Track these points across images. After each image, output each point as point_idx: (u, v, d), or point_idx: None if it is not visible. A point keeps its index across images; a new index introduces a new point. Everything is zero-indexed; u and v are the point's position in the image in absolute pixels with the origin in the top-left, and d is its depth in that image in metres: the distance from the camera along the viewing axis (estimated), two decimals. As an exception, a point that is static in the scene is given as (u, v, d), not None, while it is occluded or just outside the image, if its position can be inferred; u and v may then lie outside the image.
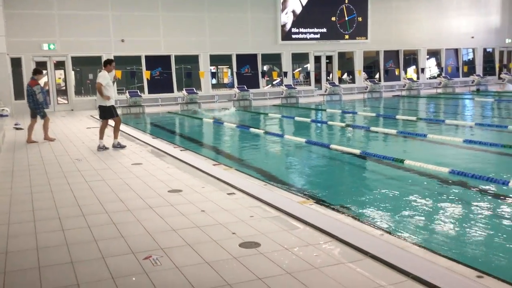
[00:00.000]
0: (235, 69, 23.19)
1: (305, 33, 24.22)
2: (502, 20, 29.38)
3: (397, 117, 15.39)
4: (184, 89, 21.11)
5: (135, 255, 3.91)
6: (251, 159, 9.37)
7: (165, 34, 21.29)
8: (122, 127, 13.75)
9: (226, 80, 25.75)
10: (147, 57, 21.25)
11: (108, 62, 9.66)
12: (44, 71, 18.69)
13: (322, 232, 4.38)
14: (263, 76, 24.00)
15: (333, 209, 5.33)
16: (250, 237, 4.27)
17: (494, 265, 3.93)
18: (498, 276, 3.42)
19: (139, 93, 20.00)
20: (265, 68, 25.34)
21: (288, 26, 23.80)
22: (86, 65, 22.05)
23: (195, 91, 21.04)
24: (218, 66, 26.43)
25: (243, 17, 22.71)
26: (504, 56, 30.00)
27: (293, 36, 23.94)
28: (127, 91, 20.12)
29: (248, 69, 23.57)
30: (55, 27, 19.43)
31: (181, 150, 9.24)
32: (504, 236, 4.69)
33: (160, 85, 21.68)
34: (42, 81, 12.36)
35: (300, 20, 23.97)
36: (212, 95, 22.51)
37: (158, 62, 21.64)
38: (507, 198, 5.83)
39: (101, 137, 9.47)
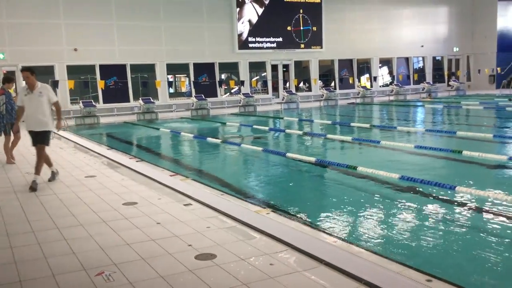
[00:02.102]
0: (192, 78, 23.09)
1: (262, 42, 24.45)
2: (449, 29, 30.69)
3: (352, 124, 15.75)
4: (140, 98, 20.81)
5: (87, 272, 3.81)
6: (208, 169, 9.34)
7: (120, 43, 20.95)
8: (76, 138, 13.42)
9: (184, 89, 25.58)
10: (101, 66, 20.82)
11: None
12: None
13: (278, 241, 4.41)
14: (220, 85, 24.01)
15: (289, 217, 5.38)
16: (206, 248, 4.25)
17: (443, 269, 4.06)
18: (446, 279, 3.55)
19: (93, 103, 19.55)
20: (223, 76, 25.37)
21: (244, 35, 23.96)
22: (38, 75, 21.27)
23: (152, 100, 20.78)
24: (176, 75, 26.23)
25: (199, 26, 22.68)
26: (452, 64, 31.30)
27: (250, 45, 24.12)
28: (80, 101, 19.63)
29: (206, 78, 23.53)
30: (4, 36, 18.74)
31: (137, 161, 9.09)
32: (452, 239, 4.87)
33: (116, 94, 21.28)
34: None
35: (256, 29, 24.18)
36: (169, 104, 22.31)
37: (113, 71, 21.24)
38: (454, 203, 6.06)
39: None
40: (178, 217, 5.26)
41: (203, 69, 23.33)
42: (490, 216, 5.46)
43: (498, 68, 29.30)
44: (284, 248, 4.25)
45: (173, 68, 23.31)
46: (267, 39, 24.60)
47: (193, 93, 22.64)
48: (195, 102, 21.50)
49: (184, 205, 5.76)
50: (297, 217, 5.54)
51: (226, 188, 7.13)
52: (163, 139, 14.82)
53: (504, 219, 5.31)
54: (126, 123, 18.80)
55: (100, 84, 20.42)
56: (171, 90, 24.38)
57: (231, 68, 24.84)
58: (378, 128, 14.57)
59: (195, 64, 22.98)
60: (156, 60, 21.91)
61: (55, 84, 18.57)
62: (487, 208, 5.69)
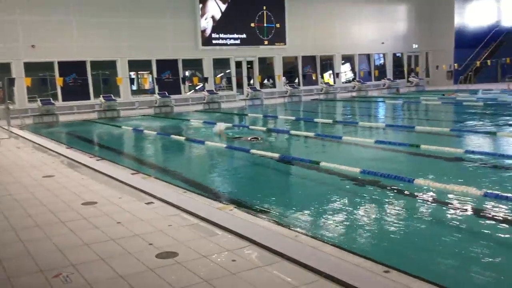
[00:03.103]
0: (155, 75, 22.77)
1: (225, 38, 24.34)
2: (409, 26, 31.43)
3: (316, 120, 15.94)
4: (101, 95, 20.37)
5: (44, 274, 3.70)
6: (171, 166, 9.24)
7: (79, 39, 20.40)
8: (34, 137, 13.01)
9: (146, 86, 25.19)
10: (60, 63, 20.23)
11: None
12: None
13: (241, 237, 4.42)
14: (184, 82, 23.78)
15: (253, 213, 5.39)
16: (168, 247, 4.21)
17: (400, 260, 4.16)
18: (404, 270, 3.64)
19: (52, 101, 19.00)
20: (187, 73, 25.12)
21: (208, 32, 23.79)
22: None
23: (113, 97, 20.37)
24: (138, 72, 25.80)
25: (162, 22, 22.36)
26: (412, 60, 32.09)
27: (214, 41, 23.97)
28: (39, 99, 19.03)
29: (169, 75, 23.24)
30: (-45, 31, 17.95)
31: (97, 160, 8.89)
32: (411, 231, 5.00)
33: (76, 92, 20.70)
34: None
35: (220, 26, 24.06)
36: (132, 102, 21.91)
37: (72, 68, 20.67)
38: (413, 195, 6.22)
39: None
40: (139, 216, 5.18)
41: (167, 65, 23.03)
42: (447, 207, 5.64)
43: (455, 64, 30.23)
44: (247, 244, 4.25)
45: (135, 65, 22.89)
46: (231, 36, 24.51)
47: (156, 90, 22.34)
48: (158, 99, 21.23)
49: (146, 203, 5.69)
50: (261, 213, 5.56)
51: (189, 185, 7.08)
52: (125, 137, 14.57)
53: (460, 210, 5.49)
54: (86, 121, 18.37)
55: (59, 82, 19.85)
56: (134, 87, 23.96)
57: (195, 65, 24.62)
58: (341, 124, 14.79)
59: (158, 61, 22.66)
60: (117, 56, 21.47)
61: (11, 82, 17.92)
62: (444, 200, 5.87)
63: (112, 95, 20.68)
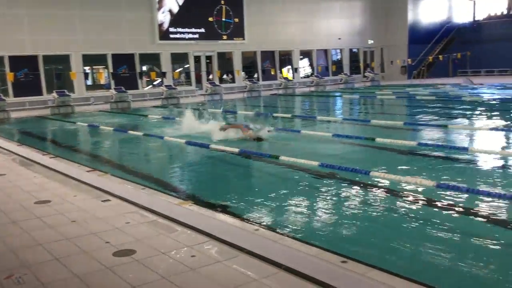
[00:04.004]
0: (111, 70, 22.25)
1: (184, 33, 24.06)
2: (364, 22, 32.08)
3: (275, 114, 16.03)
4: (54, 91, 19.72)
5: (-6, 276, 3.56)
6: (129, 163, 9.07)
7: (30, 32, 19.65)
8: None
9: (102, 81, 24.56)
10: (10, 57, 19.43)
11: None
12: None
13: (200, 233, 4.40)
14: (141, 77, 23.36)
15: (212, 208, 5.37)
16: (125, 244, 4.14)
17: (357, 250, 4.26)
18: (360, 259, 3.73)
19: (2, 97, 18.22)
20: (144, 68, 24.67)
21: (165, 26, 23.44)
22: None
23: (67, 93, 19.77)
24: (93, 67, 25.10)
25: (117, 15, 21.86)
26: (367, 55, 32.80)
27: (171, 36, 23.65)
28: (-13, 95, 18.23)
29: (126, 70, 22.77)
30: None
31: (50, 158, 8.62)
32: (368, 222, 5.11)
33: (27, 87, 19.94)
34: None
35: (177, 20, 23.75)
36: (87, 97, 21.33)
37: (24, 63, 19.89)
38: (369, 187, 6.37)
39: None
40: (96, 214, 5.06)
41: (123, 60, 22.54)
42: (402, 198, 5.80)
43: (409, 60, 31.13)
44: (206, 239, 4.24)
45: (90, 59, 22.25)
46: (189, 30, 24.26)
47: (113, 85, 21.84)
48: (114, 95, 20.77)
49: (102, 201, 5.56)
50: (220, 208, 5.54)
51: (147, 182, 6.97)
52: (80, 134, 14.17)
53: (414, 200, 5.67)
54: (39, 118, 17.74)
55: (9, 77, 19.07)
56: (89, 82, 23.30)
57: (152, 59, 24.21)
58: (300, 118, 14.94)
59: (114, 55, 22.14)
60: (71, 50, 20.83)
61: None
62: (399, 191, 6.04)
63: (66, 90, 20.06)
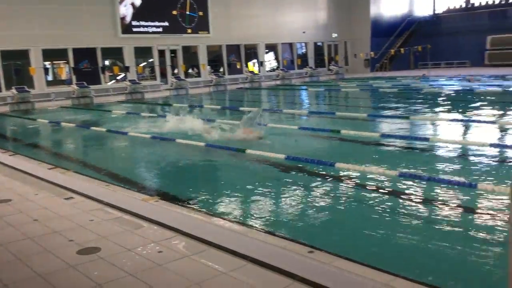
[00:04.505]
0: (72, 64, 21.67)
1: (147, 26, 23.67)
2: (328, 16, 32.40)
3: (241, 108, 16.02)
4: (13, 87, 19.06)
5: (-49, 279, 3.43)
6: (92, 159, 8.89)
7: (-14, 27, 18.90)
8: None
9: (64, 77, 23.90)
10: (-35, 53, 18.67)
11: None
12: None
13: (167, 228, 4.36)
14: (104, 72, 22.86)
15: (179, 203, 5.33)
16: (90, 242, 4.06)
17: (324, 240, 4.32)
18: (327, 249, 3.78)
19: (-43, 94, 17.49)
20: (107, 63, 24.15)
21: (128, 19, 22.99)
22: None
23: (26, 89, 19.14)
24: (54, 62, 24.37)
25: (78, 9, 21.26)
26: (332, 49, 33.17)
27: (134, 29, 23.22)
28: None
29: (88, 64, 22.23)
30: None
31: (10, 155, 8.34)
32: (333, 212, 5.19)
33: (-16, 84, 19.21)
34: None
35: (140, 13, 23.33)
36: (47, 93, 20.73)
37: (-21, 58, 19.14)
38: (334, 178, 6.47)
39: None
40: (58, 212, 4.94)
41: (84, 54, 22.00)
42: (367, 188, 5.92)
43: (372, 53, 31.67)
44: (174, 235, 4.21)
45: (50, 54, 21.58)
46: (152, 24, 23.87)
47: (74, 81, 21.28)
48: (76, 90, 20.26)
49: (65, 199, 5.43)
50: (187, 202, 5.51)
51: (111, 178, 6.84)
52: (40, 131, 13.77)
53: (379, 190, 5.79)
54: (-3, 115, 17.13)
55: (-36, 73, 18.30)
56: (49, 78, 22.64)
57: (115, 53, 23.69)
58: (266, 112, 14.97)
59: (75, 50, 21.57)
60: (30, 45, 20.15)
61: None
62: (364, 181, 6.16)
63: (25, 86, 19.41)
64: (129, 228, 4.41)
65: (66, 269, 3.53)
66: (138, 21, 23.28)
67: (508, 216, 2.32)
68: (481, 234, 4.36)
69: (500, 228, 4.35)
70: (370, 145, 8.63)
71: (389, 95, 18.08)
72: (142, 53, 24.46)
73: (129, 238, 4.14)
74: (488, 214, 4.76)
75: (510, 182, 2.02)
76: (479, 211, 4.91)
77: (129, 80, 22.31)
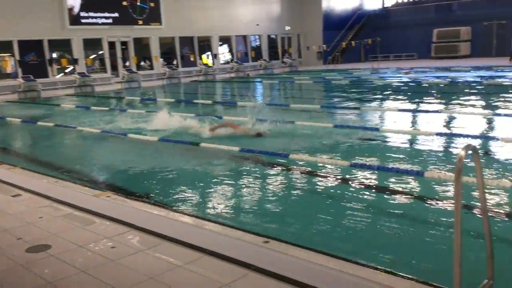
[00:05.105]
0: (18, 57, 20.74)
1: (96, 17, 22.97)
2: (281, 8, 32.59)
3: (195, 101, 15.90)
4: (-47, 81, 18.07)
5: None
6: (41, 155, 8.58)
7: None
8: None
9: (8, 70, 22.83)
10: None
11: None
12: None
13: (120, 223, 4.28)
14: (51, 64, 22.02)
15: (132, 198, 5.24)
16: (39, 240, 3.92)
17: (279, 230, 4.38)
18: (282, 239, 3.84)
19: None
20: (54, 55, 23.26)
21: (76, 10, 22.22)
22: None
23: (-32, 83, 18.20)
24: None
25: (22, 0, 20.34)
26: (285, 42, 33.41)
27: (83, 20, 22.48)
28: None
29: (34, 57, 21.34)
30: None
31: (-50, 153, 7.92)
32: (288, 202, 5.27)
33: None
34: None
35: (89, 4, 22.59)
36: (-9, 87, 19.77)
37: None
38: (289, 169, 6.55)
39: None
40: (5, 209, 4.75)
41: (31, 47, 21.11)
42: (320, 178, 6.04)
43: (324, 46, 32.15)
44: (127, 230, 4.14)
45: (-7, 46, 20.60)
46: (102, 14, 23.19)
47: (20, 74, 20.39)
48: (22, 84, 19.44)
49: (12, 196, 5.22)
50: (141, 197, 5.42)
51: (61, 174, 6.64)
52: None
53: (332, 180, 5.92)
54: None
55: None
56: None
57: (63, 45, 22.86)
58: (221, 104, 14.94)
59: (20, 42, 20.65)
60: (-30, 37, 19.14)
61: None
62: (317, 172, 6.26)
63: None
64: (80, 224, 4.30)
65: (15, 268, 3.41)
66: (87, 12, 22.55)
67: (453, 201, 2.44)
68: (428, 218, 4.55)
69: (446, 213, 4.55)
70: (324, 136, 8.77)
71: (342, 87, 18.45)
72: (92, 45, 23.74)
73: (81, 235, 4.04)
74: (434, 199, 4.98)
75: (454, 169, 2.14)
76: (426, 197, 5.12)
77: (78, 73, 21.63)
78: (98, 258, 3.55)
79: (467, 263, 2.63)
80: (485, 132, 8.85)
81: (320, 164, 6.43)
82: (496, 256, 2.70)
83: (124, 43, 24.57)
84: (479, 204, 2.59)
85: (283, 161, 6.76)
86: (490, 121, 9.79)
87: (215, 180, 6.22)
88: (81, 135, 10.21)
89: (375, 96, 15.45)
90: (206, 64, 27.95)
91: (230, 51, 30.18)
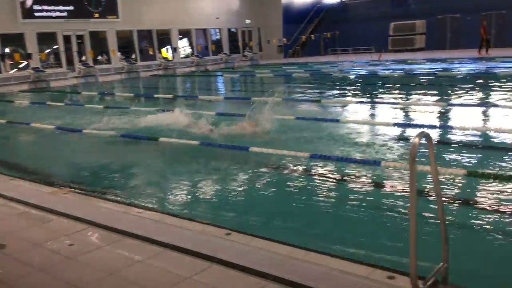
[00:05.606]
0: (-34, 52, 19.82)
1: (50, 10, 22.18)
2: (241, 1, 32.47)
3: (156, 95, 15.68)
4: None
5: None
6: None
7: None
8: None
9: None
10: None
11: None
12: None
13: (78, 220, 4.18)
14: (3, 59, 21.14)
15: (90, 195, 5.12)
16: (-7, 240, 3.78)
17: (241, 223, 4.38)
18: (244, 231, 3.84)
19: None
20: (7, 50, 22.31)
21: (29, 3, 21.38)
22: None
23: None
24: None
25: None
26: (246, 35, 33.35)
27: (36, 14, 21.67)
28: None
29: (-15, 52, 20.45)
30: None
31: None
32: (249, 195, 5.28)
33: None
34: None
35: (42, -4, 21.80)
36: None
37: None
38: (249, 162, 6.56)
39: None
40: (-45, 210, 4.54)
41: (-20, 41, 20.22)
42: (280, 170, 6.08)
43: (284, 39, 32.31)
44: (86, 227, 4.05)
45: None
46: (56, 8, 22.42)
47: (-31, 69, 19.52)
48: (-28, 80, 18.60)
49: (-38, 196, 5.00)
50: (100, 193, 5.31)
51: (16, 172, 6.40)
52: None
53: (291, 171, 5.97)
54: None
55: None
56: None
57: (15, 40, 21.97)
58: (181, 98, 14.78)
59: (-32, 36, 19.75)
60: None
61: None
62: (277, 164, 6.30)
63: None
64: (37, 222, 4.17)
65: (-34, 271, 3.27)
66: (40, 5, 21.75)
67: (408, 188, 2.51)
68: (384, 205, 4.67)
69: (401, 199, 4.69)
70: (286, 128, 8.82)
71: (302, 80, 18.61)
72: (46, 39, 22.93)
73: (37, 233, 3.92)
74: (391, 187, 5.11)
75: (408, 158, 2.21)
76: (384, 185, 5.25)
77: (32, 68, 20.89)
78: (56, 257, 3.46)
79: (423, 247, 2.71)
80: (440, 121, 9.15)
81: (281, 156, 6.46)
82: (451, 240, 2.81)
83: (80, 37, 23.86)
84: (434, 190, 2.68)
85: (244, 154, 6.76)
86: (445, 111, 10.13)
87: (176, 175, 6.17)
88: (35, 131, 9.87)
89: (334, 88, 15.67)
90: (165, 58, 27.55)
91: (190, 44, 29.86)
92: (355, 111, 11.01)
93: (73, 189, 5.30)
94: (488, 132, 7.82)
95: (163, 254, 3.46)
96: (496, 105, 10.22)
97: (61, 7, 22.56)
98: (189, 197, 5.31)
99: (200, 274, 3.11)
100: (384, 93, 13.76)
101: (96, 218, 4.17)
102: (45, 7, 21.96)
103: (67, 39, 23.25)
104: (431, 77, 16.82)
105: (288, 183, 5.55)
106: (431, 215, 4.08)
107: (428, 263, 2.78)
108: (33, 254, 3.52)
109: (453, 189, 4.95)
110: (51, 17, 22.22)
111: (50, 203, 4.62)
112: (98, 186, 5.73)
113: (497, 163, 5.87)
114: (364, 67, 22.13)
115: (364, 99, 12.71)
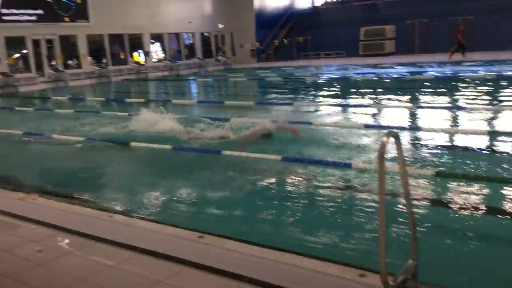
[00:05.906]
0: None
1: (19, 14, 21.68)
2: (214, 6, 32.45)
3: (127, 100, 15.50)
4: None
5: None
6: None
7: None
8: None
9: None
10: None
11: None
12: None
13: (48, 226, 4.09)
14: (-31, 64, 20.56)
15: (59, 200, 5.02)
16: (-43, 248, 3.66)
17: (213, 225, 4.37)
18: (216, 233, 3.83)
19: None
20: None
21: (-4, 7, 20.85)
22: None
23: None
24: None
25: None
26: (219, 40, 33.32)
27: (4, 17, 21.12)
28: None
29: (-51, 57, 19.82)
30: None
31: None
32: (221, 198, 5.26)
33: None
34: None
35: (11, 0, 21.28)
36: None
37: None
38: (221, 165, 6.54)
39: None
40: None
41: None
42: (254, 173, 6.09)
43: (257, 44, 32.42)
44: (55, 232, 3.97)
45: None
46: (25, 12, 21.92)
47: None
48: None
49: None
50: (70, 198, 5.21)
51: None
52: None
53: (264, 174, 5.99)
54: None
55: None
56: None
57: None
58: (154, 102, 14.65)
59: None
60: None
61: None
62: (252, 167, 6.31)
63: None
64: (4, 228, 4.07)
65: None
66: (8, 9, 21.23)
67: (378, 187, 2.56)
68: (355, 206, 4.74)
69: (371, 199, 4.76)
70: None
71: (275, 84, 18.71)
72: (14, 43, 22.37)
73: (4, 239, 3.82)
74: (362, 187, 5.19)
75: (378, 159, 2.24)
76: (355, 186, 5.32)
77: (0, 73, 20.35)
78: (24, 263, 3.38)
79: (393, 246, 2.76)
80: (409, 123, 9.34)
81: (253, 160, 6.47)
82: (419, 238, 2.86)
83: (49, 41, 23.38)
84: (403, 190, 2.73)
85: (216, 157, 6.74)
86: (414, 113, 10.34)
87: (146, 178, 6.11)
88: (3, 137, 9.63)
89: (307, 92, 15.81)
90: (137, 62, 27.26)
91: (163, 49, 29.64)
92: (328, 113, 11.12)
93: (42, 195, 5.18)
94: (456, 133, 8.03)
95: (135, 258, 3.42)
96: (463, 108, 10.51)
97: (30, 11, 22.08)
98: (160, 200, 5.27)
99: (173, 277, 3.09)
100: (356, 96, 13.95)
101: (65, 223, 4.09)
102: (14, 11, 21.45)
103: (36, 43, 22.74)
104: (402, 80, 17.14)
105: (260, 186, 5.56)
106: (400, 214, 4.15)
107: (398, 260, 2.83)
108: (0, 260, 3.42)
109: (422, 189, 5.06)
110: (20, 21, 21.71)
111: (17, 208, 4.51)
112: (67, 191, 5.62)
113: (465, 162, 6.03)
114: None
115: (336, 101, 12.86)
